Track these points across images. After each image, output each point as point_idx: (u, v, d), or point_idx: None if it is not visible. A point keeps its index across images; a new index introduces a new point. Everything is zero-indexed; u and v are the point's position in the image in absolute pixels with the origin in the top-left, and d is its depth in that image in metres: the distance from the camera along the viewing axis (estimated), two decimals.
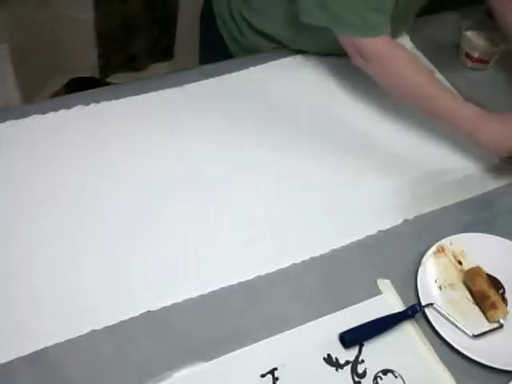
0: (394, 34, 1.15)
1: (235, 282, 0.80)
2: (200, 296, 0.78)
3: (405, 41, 1.17)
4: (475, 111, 0.93)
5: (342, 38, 0.96)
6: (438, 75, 1.12)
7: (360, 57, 0.94)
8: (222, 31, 1.16)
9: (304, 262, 0.83)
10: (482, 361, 0.74)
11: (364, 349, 0.75)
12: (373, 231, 0.87)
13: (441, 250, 0.85)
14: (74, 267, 0.79)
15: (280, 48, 1.12)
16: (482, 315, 0.80)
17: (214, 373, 0.72)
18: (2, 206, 0.84)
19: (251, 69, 1.08)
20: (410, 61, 0.95)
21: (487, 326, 0.78)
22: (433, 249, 0.85)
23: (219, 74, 1.07)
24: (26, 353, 0.71)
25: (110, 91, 1.03)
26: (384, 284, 0.81)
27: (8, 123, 0.94)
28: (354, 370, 0.73)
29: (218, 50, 1.18)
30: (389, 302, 0.80)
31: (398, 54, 0.95)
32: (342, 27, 0.94)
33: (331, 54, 1.08)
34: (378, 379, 0.73)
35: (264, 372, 0.72)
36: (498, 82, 1.14)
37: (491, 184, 0.96)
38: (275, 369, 0.72)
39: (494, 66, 1.15)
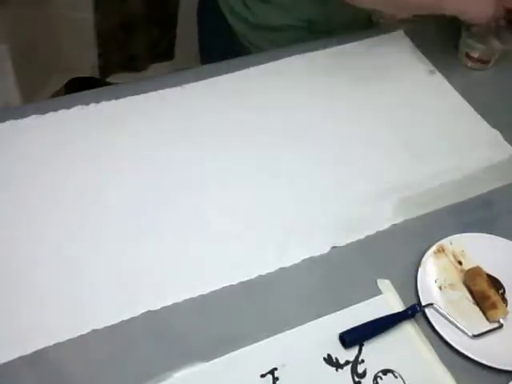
0: None
1: (235, 282, 0.80)
2: (200, 296, 0.78)
3: (405, 41, 1.18)
4: None
5: None
6: (438, 75, 1.12)
7: None
8: (224, 11, 1.17)
9: (304, 261, 0.83)
10: (482, 361, 0.74)
11: (364, 349, 0.75)
12: (373, 231, 0.87)
13: (441, 249, 0.85)
14: (75, 267, 0.79)
15: (285, 19, 1.13)
16: (482, 315, 0.80)
17: (213, 373, 0.72)
18: (2, 206, 0.84)
19: (251, 69, 1.08)
20: None
21: (487, 326, 0.78)
22: (433, 249, 0.85)
23: (219, 74, 1.07)
24: (26, 352, 0.71)
25: (110, 91, 1.03)
26: (384, 284, 0.81)
27: (8, 123, 0.94)
28: (354, 370, 0.73)
29: (222, 35, 1.19)
30: (389, 302, 0.80)
31: None
32: None
33: (330, 25, 1.10)
34: (378, 379, 0.73)
35: (264, 372, 0.72)
36: (498, 81, 1.14)
37: (491, 184, 0.96)
38: (275, 369, 0.72)
39: (493, 66, 1.15)
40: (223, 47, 1.21)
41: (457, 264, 0.84)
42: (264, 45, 1.17)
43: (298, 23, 1.15)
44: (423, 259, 0.83)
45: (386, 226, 0.88)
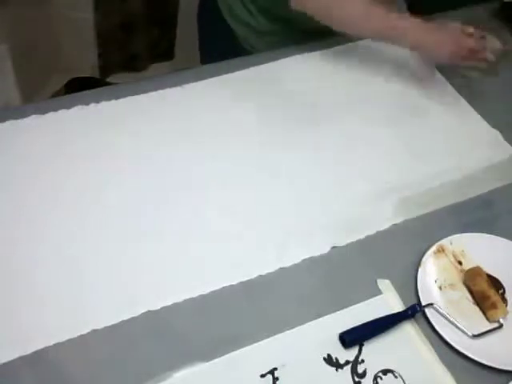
0: None
1: (235, 282, 0.80)
2: (200, 296, 0.78)
3: None
4: (412, 22, 0.99)
5: None
6: (438, 75, 1.12)
7: None
8: (226, 17, 1.16)
9: (304, 261, 0.83)
10: (482, 361, 0.74)
11: (364, 349, 0.75)
12: (373, 231, 0.87)
13: (441, 249, 0.85)
14: (75, 267, 0.79)
15: (288, 31, 1.14)
16: (482, 315, 0.80)
17: (213, 373, 0.72)
18: (2, 206, 0.84)
19: (251, 69, 1.08)
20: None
21: (487, 326, 0.78)
22: (433, 249, 0.85)
23: (219, 74, 1.07)
24: (26, 352, 0.71)
25: (110, 91, 1.03)
26: (384, 284, 0.81)
27: (8, 123, 0.94)
28: (354, 370, 0.73)
29: (222, 37, 1.19)
30: (389, 302, 0.80)
31: None
32: None
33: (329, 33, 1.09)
34: (378, 379, 0.73)
35: (264, 372, 0.72)
36: (498, 81, 1.13)
37: (491, 184, 0.96)
38: (275, 369, 0.72)
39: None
40: (224, 50, 1.21)
41: (457, 264, 0.84)
42: (264, 49, 1.17)
43: (296, 31, 1.15)
44: (423, 259, 0.83)
45: (386, 226, 0.88)
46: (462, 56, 0.99)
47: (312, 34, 1.14)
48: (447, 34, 1.00)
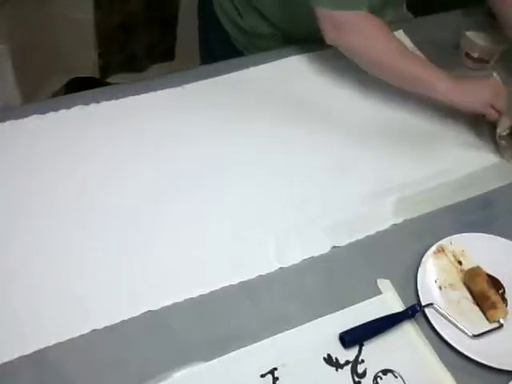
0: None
1: (235, 281, 0.80)
2: (200, 296, 0.78)
3: (405, 41, 1.17)
4: (450, 75, 0.97)
5: (318, 12, 0.95)
6: None
7: (336, 31, 0.95)
8: (220, 17, 1.17)
9: (304, 261, 0.83)
10: (482, 361, 0.74)
11: (364, 349, 0.75)
12: (373, 231, 0.87)
13: (441, 249, 0.85)
14: (75, 267, 0.79)
15: (274, 30, 1.13)
16: (482, 315, 0.80)
17: (213, 373, 0.72)
18: (2, 206, 0.84)
19: (251, 69, 1.08)
20: (387, 40, 0.97)
21: (487, 326, 0.78)
22: (433, 249, 0.85)
23: (219, 74, 1.07)
24: (26, 352, 0.71)
25: (110, 91, 1.03)
26: (384, 284, 0.81)
27: (8, 123, 0.94)
28: (353, 370, 0.73)
29: (218, 39, 1.20)
30: (389, 301, 0.80)
31: (376, 31, 0.96)
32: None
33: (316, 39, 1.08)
34: (378, 379, 0.73)
35: (264, 372, 0.72)
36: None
37: (491, 184, 0.96)
38: (275, 369, 0.72)
39: (494, 66, 1.15)
40: (221, 52, 1.20)
41: (457, 264, 0.84)
42: (255, 52, 1.17)
43: (279, 33, 1.15)
44: (423, 259, 0.83)
45: (386, 226, 0.88)
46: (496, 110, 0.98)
47: (296, 42, 1.14)
48: (482, 92, 0.97)
